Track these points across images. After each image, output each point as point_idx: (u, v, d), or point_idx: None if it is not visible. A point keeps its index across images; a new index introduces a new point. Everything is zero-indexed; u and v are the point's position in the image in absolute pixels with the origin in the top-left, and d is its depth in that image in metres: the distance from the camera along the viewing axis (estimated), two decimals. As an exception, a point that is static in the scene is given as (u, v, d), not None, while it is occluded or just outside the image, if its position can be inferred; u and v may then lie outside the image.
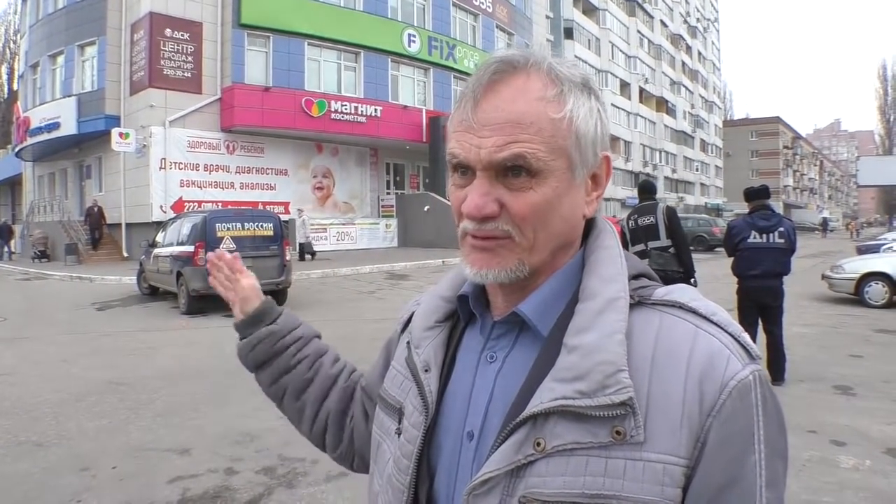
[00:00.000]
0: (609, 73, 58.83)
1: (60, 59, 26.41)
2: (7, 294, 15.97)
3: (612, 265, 0.86)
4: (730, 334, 0.79)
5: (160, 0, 22.66)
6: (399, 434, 0.95)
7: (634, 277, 0.88)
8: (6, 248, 28.96)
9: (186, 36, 23.25)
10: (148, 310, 12.87)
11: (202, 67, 23.73)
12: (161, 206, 22.12)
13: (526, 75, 0.82)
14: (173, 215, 17.36)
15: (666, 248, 7.11)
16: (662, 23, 73.03)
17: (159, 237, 14.16)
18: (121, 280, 17.18)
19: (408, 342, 1.02)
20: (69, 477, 4.48)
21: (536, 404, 0.78)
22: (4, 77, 55.69)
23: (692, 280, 7.16)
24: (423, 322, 1.00)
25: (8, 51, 55.42)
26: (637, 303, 0.83)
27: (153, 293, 14.50)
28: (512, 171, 0.81)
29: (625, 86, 62.77)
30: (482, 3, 33.87)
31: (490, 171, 0.81)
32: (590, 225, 0.93)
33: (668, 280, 7.25)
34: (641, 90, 66.16)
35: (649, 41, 69.24)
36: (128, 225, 23.36)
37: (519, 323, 0.88)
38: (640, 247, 7.38)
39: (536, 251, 0.84)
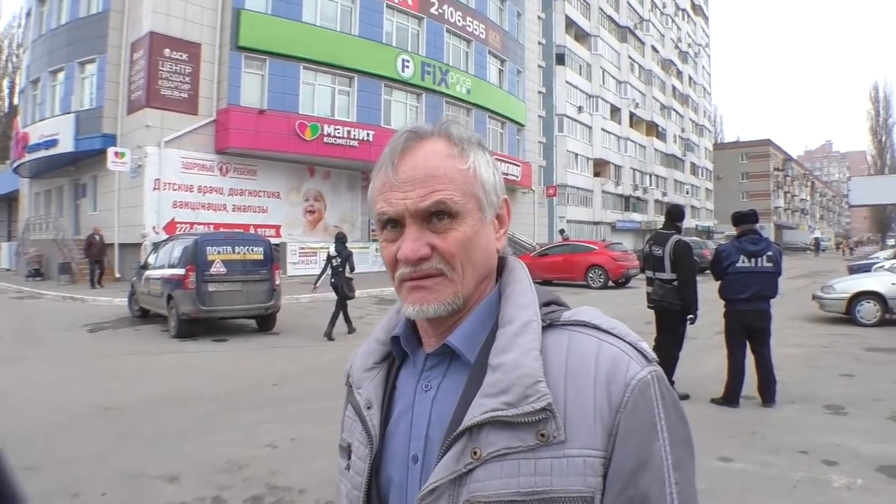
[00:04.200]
0: (600, 98, 59.31)
1: (61, 76, 26.58)
2: (1, 312, 16.07)
3: (524, 295, 0.99)
4: (628, 343, 0.93)
5: (161, 20, 22.91)
6: (349, 469, 1.07)
7: (546, 304, 1.01)
8: None
9: (185, 56, 23.48)
10: (138, 333, 12.93)
11: (199, 88, 23.94)
12: (154, 227, 22.16)
13: (433, 140, 0.99)
14: (165, 236, 17.48)
15: (669, 282, 7.28)
16: (653, 48, 73.68)
17: (151, 259, 14.24)
18: (112, 301, 17.23)
19: (349, 384, 1.13)
20: (60, 503, 4.56)
21: (470, 418, 0.89)
22: (6, 91, 55.41)
23: (690, 317, 7.33)
24: (362, 364, 1.11)
25: (10, 65, 55.16)
26: (548, 325, 0.96)
27: (144, 315, 14.51)
28: (435, 216, 0.95)
29: (615, 110, 63.28)
30: (475, 30, 34.34)
31: (417, 219, 0.95)
32: (503, 263, 1.07)
33: (665, 312, 7.38)
34: (632, 115, 66.66)
35: (640, 66, 69.86)
36: (121, 245, 23.34)
37: (449, 353, 1.00)
38: (649, 274, 7.61)
39: (466, 283, 0.97)
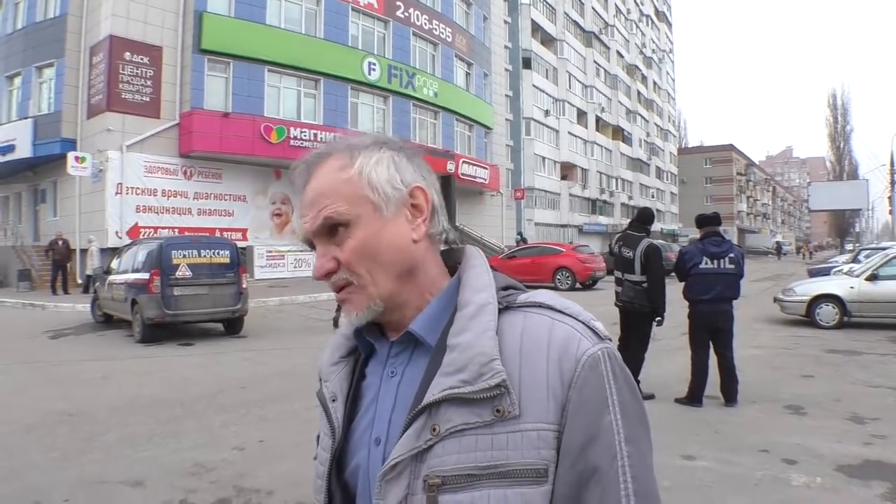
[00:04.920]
0: (566, 102, 59.75)
1: (17, 81, 26.04)
2: (-45, 321, 15.58)
3: (480, 279, 1.01)
4: (581, 322, 0.95)
5: (120, 23, 22.55)
6: (316, 459, 1.10)
7: (504, 288, 1.02)
8: None
9: (146, 60, 23.14)
10: (102, 338, 12.68)
11: (161, 92, 23.61)
12: (117, 232, 21.82)
13: (327, 160, 1.02)
14: (129, 241, 17.19)
15: (639, 283, 7.34)
16: (619, 53, 74.46)
17: (114, 264, 13.97)
18: (74, 307, 16.92)
19: (319, 378, 1.16)
20: (21, 511, 4.41)
21: (429, 396, 0.91)
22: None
23: (658, 319, 7.38)
24: (329, 358, 1.14)
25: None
26: (505, 307, 0.98)
27: (107, 321, 14.24)
28: (334, 230, 0.98)
29: (581, 114, 63.79)
30: (442, 33, 34.40)
31: (321, 237, 0.99)
32: (461, 252, 1.10)
33: (633, 313, 7.42)
34: (598, 119, 67.26)
35: (606, 71, 70.52)
36: (82, 251, 22.74)
37: (413, 340, 1.01)
38: (618, 274, 7.67)
39: (379, 284, 0.99)
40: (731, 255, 7.07)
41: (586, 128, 64.53)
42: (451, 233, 1.09)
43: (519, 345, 0.93)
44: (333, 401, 1.08)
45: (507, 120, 46.18)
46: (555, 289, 22.67)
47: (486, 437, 0.89)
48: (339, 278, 0.99)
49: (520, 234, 35.14)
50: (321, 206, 0.98)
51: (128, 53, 22.69)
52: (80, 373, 9.19)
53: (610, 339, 0.96)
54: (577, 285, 23.17)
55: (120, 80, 22.52)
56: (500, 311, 0.97)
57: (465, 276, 1.03)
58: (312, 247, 1.03)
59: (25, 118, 25.03)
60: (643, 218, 7.85)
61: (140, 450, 5.75)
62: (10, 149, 25.06)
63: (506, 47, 46.56)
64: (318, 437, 1.12)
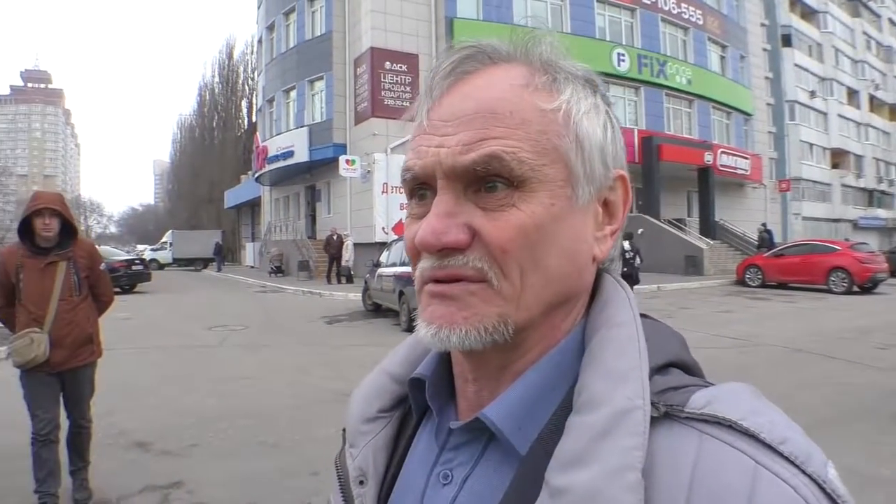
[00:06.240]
0: (834, 80, 54.24)
1: (293, 94, 29.30)
2: (248, 305, 17.82)
3: (624, 353, 0.58)
4: (809, 476, 0.49)
5: (380, 35, 24.34)
6: None
7: (661, 369, 0.59)
8: (222, 264, 35.40)
9: (404, 68, 24.68)
10: (372, 325, 13.62)
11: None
12: (383, 228, 23.44)
13: (512, 65, 0.62)
14: (395, 237, 18.38)
15: None
16: (891, 21, 65.97)
17: (383, 257, 14.91)
18: (347, 296, 18.49)
19: (343, 434, 0.77)
20: (300, 479, 4.78)
21: None
22: (244, 111, 62.01)
23: None
24: (362, 410, 0.75)
25: (247, 87, 61.82)
26: (663, 415, 0.54)
27: (376, 310, 15.31)
28: (486, 182, 0.58)
29: (853, 94, 57.56)
30: (692, 16, 32.86)
31: (456, 184, 0.59)
32: (595, 285, 0.67)
33: None
34: (871, 98, 60.20)
35: (878, 43, 62.78)
36: (354, 245, 24.71)
37: (487, 430, 0.61)
38: None
39: (525, 303, 0.58)
40: None
41: (859, 108, 58.11)
42: (613, 263, 0.69)
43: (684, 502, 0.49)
44: (361, 483, 0.70)
45: (767, 105, 43.00)
46: (828, 292, 20.36)
47: None
48: (468, 265, 0.58)
49: (763, 225, 31.41)
50: (490, 132, 0.57)
51: (387, 63, 24.39)
52: (355, 356, 9.90)
53: None
54: (855, 288, 20.69)
55: (382, 88, 24.30)
56: (654, 419, 0.54)
57: (595, 338, 0.60)
58: (422, 188, 0.62)
59: (301, 127, 28.07)
60: None
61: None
62: (289, 154, 28.30)
63: (762, 25, 43.30)
64: None
